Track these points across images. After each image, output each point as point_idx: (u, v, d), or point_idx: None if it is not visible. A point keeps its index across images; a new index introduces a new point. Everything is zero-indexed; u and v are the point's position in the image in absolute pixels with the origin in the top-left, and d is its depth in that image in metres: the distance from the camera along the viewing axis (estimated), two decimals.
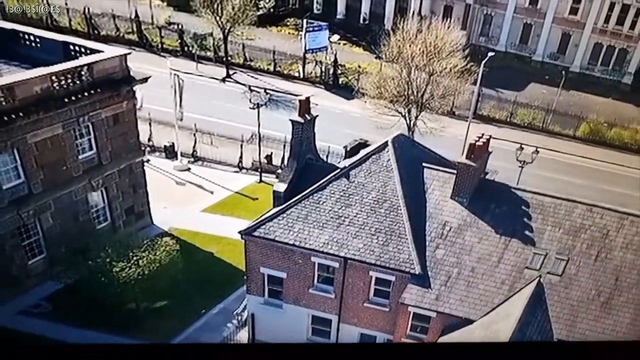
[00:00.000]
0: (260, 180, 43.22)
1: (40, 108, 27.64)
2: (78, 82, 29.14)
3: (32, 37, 31.45)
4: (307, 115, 26.33)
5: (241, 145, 44.30)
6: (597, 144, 57.12)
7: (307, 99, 26.18)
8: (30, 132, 27.95)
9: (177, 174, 42.47)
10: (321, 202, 26.06)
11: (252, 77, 58.36)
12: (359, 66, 59.78)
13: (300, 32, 62.28)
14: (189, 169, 43.22)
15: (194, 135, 44.31)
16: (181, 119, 41.48)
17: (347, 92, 57.25)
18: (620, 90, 68.01)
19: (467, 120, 49.18)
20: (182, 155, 43.85)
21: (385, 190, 26.14)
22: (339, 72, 58.69)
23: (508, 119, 58.26)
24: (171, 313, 31.03)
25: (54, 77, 28.10)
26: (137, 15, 59.52)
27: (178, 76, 39.41)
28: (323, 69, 58.24)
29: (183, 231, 36.78)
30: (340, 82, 58.63)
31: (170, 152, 43.91)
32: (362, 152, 31.22)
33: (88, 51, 30.95)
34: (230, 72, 57.84)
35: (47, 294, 31.13)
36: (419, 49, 39.90)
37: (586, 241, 26.31)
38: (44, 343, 27.20)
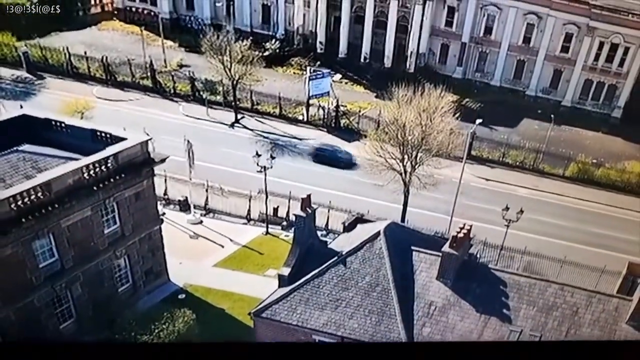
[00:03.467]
0: (267, 232, 46.69)
1: (72, 197, 31.20)
2: (105, 170, 32.68)
3: (63, 125, 34.97)
4: (308, 209, 29.85)
5: (249, 199, 47.72)
6: (585, 183, 59.66)
7: (308, 196, 29.71)
8: (63, 218, 31.53)
9: (190, 227, 46.01)
10: (321, 287, 29.62)
11: (259, 121, 61.78)
12: (360, 108, 63.07)
13: (304, 72, 65.55)
14: (201, 222, 46.78)
15: (206, 190, 47.83)
16: (191, 179, 45.10)
17: (348, 134, 60.57)
18: (610, 124, 71.06)
19: (461, 161, 52.20)
20: (194, 207, 47.38)
21: (377, 276, 29.66)
22: (341, 113, 61.98)
23: (500, 159, 61.35)
24: None
25: (84, 169, 31.64)
26: (151, 64, 62.98)
27: (189, 141, 43.03)
28: (325, 113, 61.57)
29: (197, 287, 40.36)
30: (342, 124, 61.96)
31: (184, 206, 47.48)
32: (359, 228, 34.86)
33: (113, 138, 34.40)
34: (239, 116, 61.23)
35: None
36: (413, 115, 43.31)
37: (557, 318, 29.71)
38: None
